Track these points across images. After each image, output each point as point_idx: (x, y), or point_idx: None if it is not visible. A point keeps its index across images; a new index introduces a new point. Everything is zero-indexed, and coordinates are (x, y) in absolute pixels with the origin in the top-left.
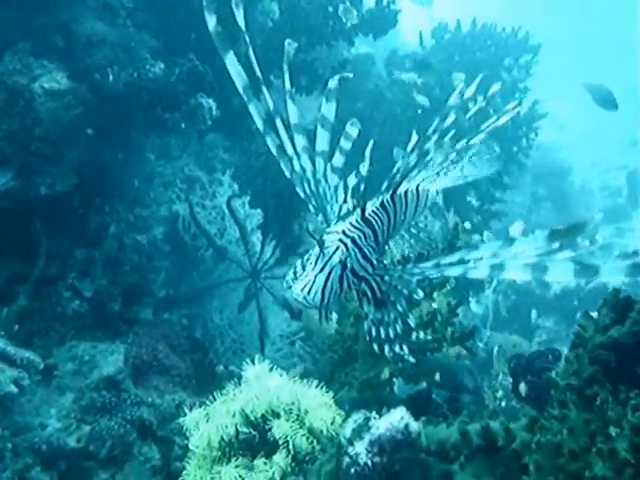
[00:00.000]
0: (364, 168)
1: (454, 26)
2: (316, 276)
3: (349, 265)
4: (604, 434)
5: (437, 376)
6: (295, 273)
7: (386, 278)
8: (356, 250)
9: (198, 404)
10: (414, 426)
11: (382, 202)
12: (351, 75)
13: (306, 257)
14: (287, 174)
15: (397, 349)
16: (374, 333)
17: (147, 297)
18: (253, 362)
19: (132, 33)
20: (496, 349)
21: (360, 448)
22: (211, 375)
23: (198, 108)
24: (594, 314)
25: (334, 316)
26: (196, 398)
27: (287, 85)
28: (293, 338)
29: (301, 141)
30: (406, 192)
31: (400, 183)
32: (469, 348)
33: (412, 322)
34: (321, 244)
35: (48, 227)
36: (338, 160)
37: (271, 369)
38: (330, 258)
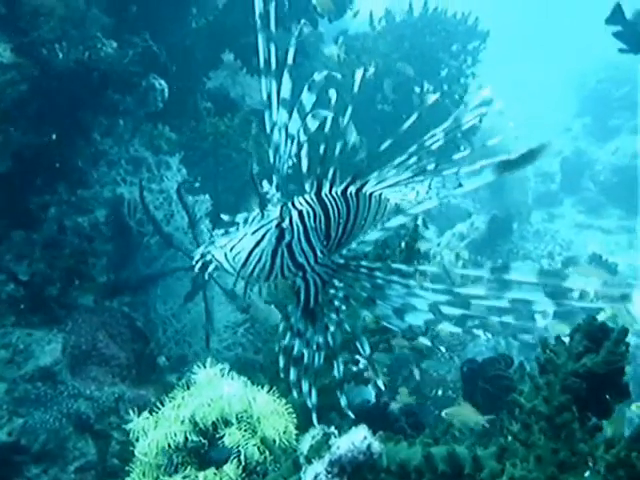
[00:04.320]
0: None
1: (406, 9)
2: (245, 235)
3: (287, 238)
4: (572, 465)
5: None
6: (227, 232)
7: (328, 289)
8: (300, 227)
9: (143, 403)
10: (376, 447)
11: (345, 191)
12: (339, 76)
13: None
14: (268, 128)
15: (305, 387)
16: (286, 342)
17: (87, 282)
18: (204, 365)
19: (82, 7)
20: None
21: (319, 468)
22: (152, 366)
23: (150, 90)
24: (566, 339)
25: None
26: (135, 390)
27: (290, 60)
28: (237, 329)
29: (283, 117)
30: (371, 194)
31: (367, 181)
32: (420, 349)
33: (337, 371)
34: (262, 201)
35: None
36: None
37: (223, 374)
38: (268, 222)
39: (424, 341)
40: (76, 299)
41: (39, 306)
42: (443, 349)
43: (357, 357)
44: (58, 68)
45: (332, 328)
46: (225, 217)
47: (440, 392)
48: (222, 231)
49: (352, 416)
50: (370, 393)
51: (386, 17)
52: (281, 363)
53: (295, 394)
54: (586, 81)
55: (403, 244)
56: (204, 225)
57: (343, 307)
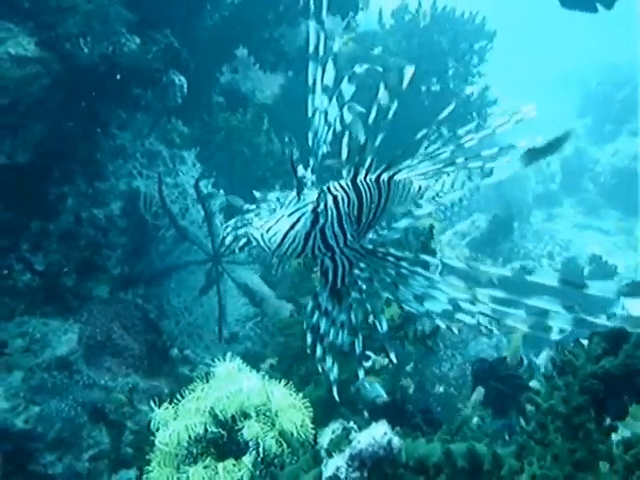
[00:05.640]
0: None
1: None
2: (282, 217)
3: (321, 222)
4: (589, 464)
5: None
6: (259, 207)
7: (354, 271)
8: (334, 212)
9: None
10: (396, 442)
11: (378, 178)
12: (380, 69)
13: (279, 196)
14: (310, 112)
15: (328, 363)
16: (314, 320)
17: (101, 273)
18: (224, 358)
19: (104, 2)
20: None
21: (340, 461)
22: (164, 357)
23: (170, 86)
24: (584, 342)
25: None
26: (148, 381)
27: (336, 47)
28: (248, 323)
29: (324, 102)
30: (399, 181)
31: (399, 169)
32: (430, 347)
33: (358, 346)
34: (299, 185)
35: (3, 197)
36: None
37: (241, 367)
38: (304, 205)
39: (440, 323)
40: (90, 290)
41: (54, 296)
42: (456, 330)
43: (368, 353)
44: (82, 63)
45: (354, 306)
46: (257, 194)
47: (442, 389)
48: (254, 207)
49: (368, 387)
50: (380, 390)
51: (395, 15)
52: (308, 340)
53: (319, 369)
54: (586, 80)
55: (419, 244)
56: (218, 219)
57: (365, 287)
